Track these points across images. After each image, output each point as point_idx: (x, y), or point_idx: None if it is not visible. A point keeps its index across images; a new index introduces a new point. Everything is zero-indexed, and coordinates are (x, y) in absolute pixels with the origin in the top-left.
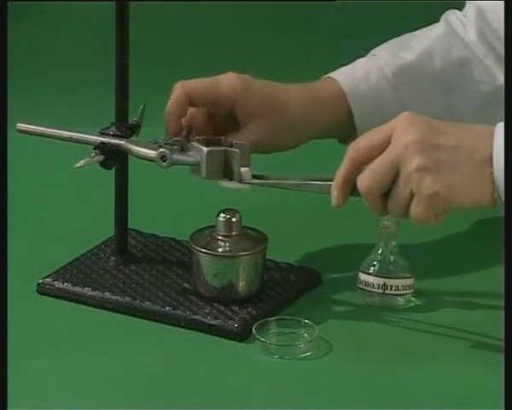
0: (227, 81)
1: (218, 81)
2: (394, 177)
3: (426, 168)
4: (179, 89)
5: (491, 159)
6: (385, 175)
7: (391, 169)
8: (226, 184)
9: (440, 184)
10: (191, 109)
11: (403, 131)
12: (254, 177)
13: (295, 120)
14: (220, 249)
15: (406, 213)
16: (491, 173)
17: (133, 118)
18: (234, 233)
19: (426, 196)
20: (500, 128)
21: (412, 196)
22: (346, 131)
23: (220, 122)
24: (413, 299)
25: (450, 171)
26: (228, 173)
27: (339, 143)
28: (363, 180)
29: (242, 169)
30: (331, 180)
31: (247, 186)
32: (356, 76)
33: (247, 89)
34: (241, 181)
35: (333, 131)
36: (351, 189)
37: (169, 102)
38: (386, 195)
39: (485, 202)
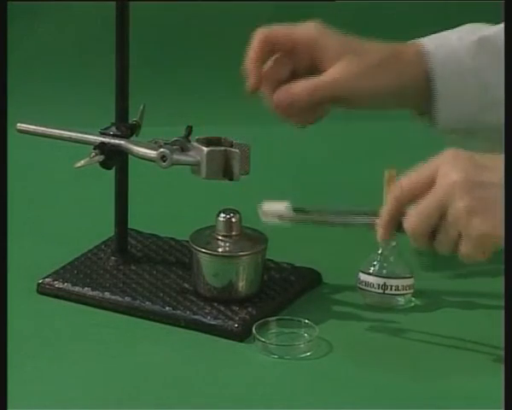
0: (305, 28)
1: (297, 28)
2: (441, 217)
3: (473, 209)
4: (260, 35)
5: None
6: (431, 216)
7: (437, 210)
8: (268, 219)
9: (488, 225)
10: (272, 63)
11: (448, 168)
12: (295, 210)
13: (374, 68)
14: (220, 249)
15: (455, 251)
16: None
17: (133, 118)
18: (234, 233)
19: (474, 236)
20: None
21: (460, 235)
22: (424, 98)
23: (299, 72)
24: (413, 299)
25: (497, 209)
26: (228, 173)
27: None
28: (410, 222)
29: (282, 205)
30: (375, 213)
31: (288, 222)
32: (438, 40)
33: (325, 36)
34: (281, 218)
35: (411, 93)
36: (397, 225)
37: (250, 49)
38: (433, 233)
39: None
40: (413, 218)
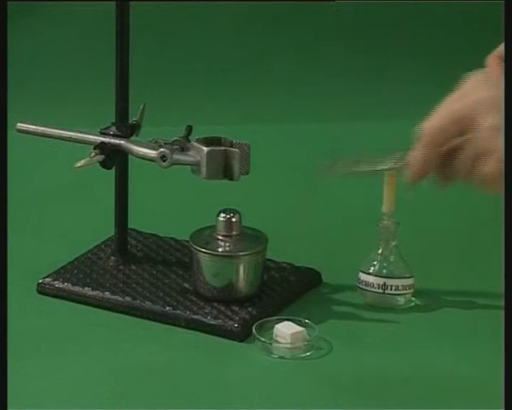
0: None
1: None
2: (458, 132)
3: (499, 127)
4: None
5: None
6: (450, 126)
7: (457, 123)
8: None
9: None
10: None
11: (471, 88)
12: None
13: None
14: (220, 249)
15: (469, 172)
16: None
17: (133, 118)
18: (234, 233)
19: (498, 154)
20: None
21: (479, 155)
22: None
23: None
24: (413, 299)
25: None
26: (228, 173)
27: None
28: (428, 122)
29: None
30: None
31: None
32: None
33: None
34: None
35: None
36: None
37: None
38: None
39: None
40: (433, 120)
